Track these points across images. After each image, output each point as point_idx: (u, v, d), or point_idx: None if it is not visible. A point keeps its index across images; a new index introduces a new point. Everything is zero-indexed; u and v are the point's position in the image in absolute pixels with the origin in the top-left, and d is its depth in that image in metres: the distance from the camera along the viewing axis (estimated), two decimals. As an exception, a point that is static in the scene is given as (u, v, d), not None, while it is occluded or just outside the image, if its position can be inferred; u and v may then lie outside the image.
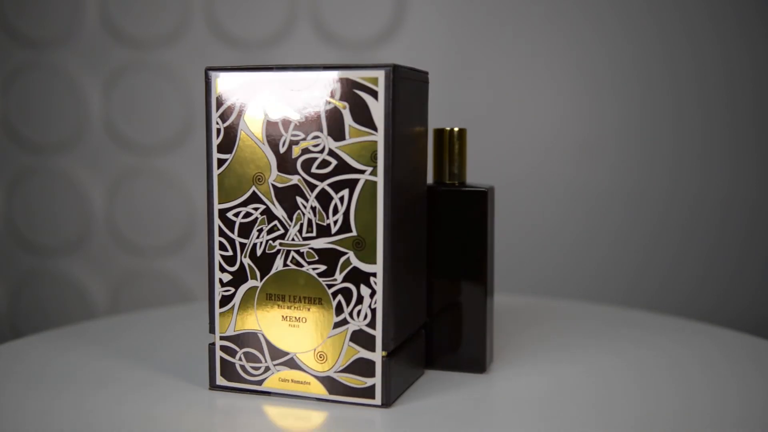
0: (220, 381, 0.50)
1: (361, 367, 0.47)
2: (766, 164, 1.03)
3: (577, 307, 0.75)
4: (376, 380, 0.47)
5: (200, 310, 0.73)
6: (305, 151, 0.47)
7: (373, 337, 0.47)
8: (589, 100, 1.06)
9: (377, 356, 0.47)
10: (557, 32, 1.05)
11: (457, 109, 1.09)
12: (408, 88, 0.47)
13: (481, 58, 1.08)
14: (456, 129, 0.54)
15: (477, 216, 0.53)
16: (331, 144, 0.46)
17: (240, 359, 0.50)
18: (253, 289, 0.49)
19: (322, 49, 1.10)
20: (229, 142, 0.48)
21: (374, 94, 0.45)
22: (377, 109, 0.45)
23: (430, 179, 0.55)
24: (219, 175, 0.49)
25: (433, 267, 0.54)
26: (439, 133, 0.55)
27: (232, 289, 0.49)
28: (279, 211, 0.48)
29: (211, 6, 1.12)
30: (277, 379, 0.49)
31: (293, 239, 0.48)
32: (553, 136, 1.08)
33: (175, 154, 1.16)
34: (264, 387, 0.49)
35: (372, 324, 0.47)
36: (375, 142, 0.46)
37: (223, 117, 0.48)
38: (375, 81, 0.45)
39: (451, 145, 0.54)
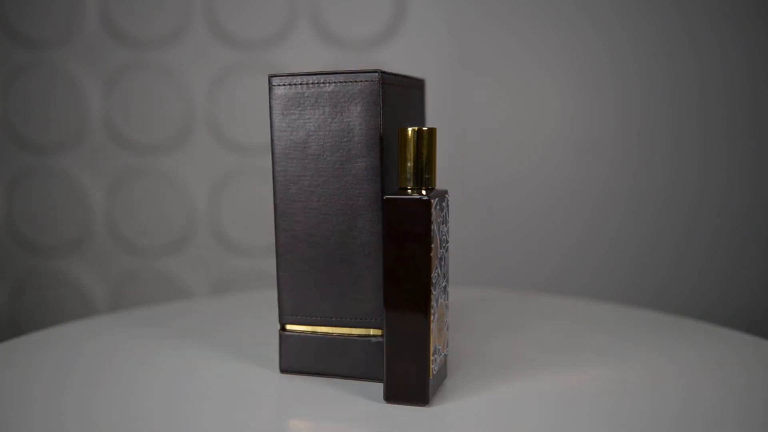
0: None
1: None
2: (764, 164, 1.03)
3: (579, 305, 0.75)
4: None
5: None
6: None
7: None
8: (589, 100, 1.06)
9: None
10: (557, 33, 1.06)
11: (457, 109, 1.09)
12: (303, 93, 0.52)
13: (480, 58, 1.08)
14: (425, 129, 0.48)
15: (410, 228, 0.46)
16: None
17: None
18: None
19: (322, 50, 1.10)
20: None
21: None
22: None
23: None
24: None
25: (384, 279, 0.48)
26: (402, 133, 0.48)
27: None
28: None
29: (211, 6, 1.12)
30: None
31: None
32: (553, 136, 1.08)
33: (175, 154, 1.16)
34: None
35: None
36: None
37: None
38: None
39: (418, 147, 0.48)
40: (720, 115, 1.03)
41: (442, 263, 0.49)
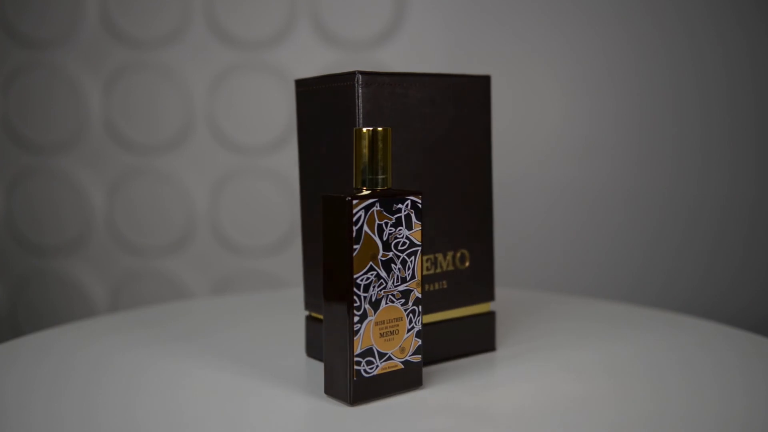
0: None
1: None
2: (765, 163, 1.03)
3: (581, 304, 0.75)
4: None
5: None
6: None
7: None
8: (590, 99, 1.06)
9: None
10: (557, 33, 1.06)
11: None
12: (318, 95, 0.54)
13: (480, 58, 1.08)
14: (380, 129, 0.47)
15: (334, 227, 0.47)
16: None
17: None
18: None
19: (322, 49, 1.10)
20: None
21: None
22: None
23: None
24: None
25: (322, 272, 0.49)
26: (357, 133, 0.47)
27: None
28: None
29: (211, 6, 1.12)
30: None
31: None
32: (554, 136, 1.08)
33: (175, 154, 1.16)
34: None
35: None
36: None
37: None
38: None
39: (373, 147, 0.47)
40: (721, 114, 1.03)
41: (394, 266, 0.48)
